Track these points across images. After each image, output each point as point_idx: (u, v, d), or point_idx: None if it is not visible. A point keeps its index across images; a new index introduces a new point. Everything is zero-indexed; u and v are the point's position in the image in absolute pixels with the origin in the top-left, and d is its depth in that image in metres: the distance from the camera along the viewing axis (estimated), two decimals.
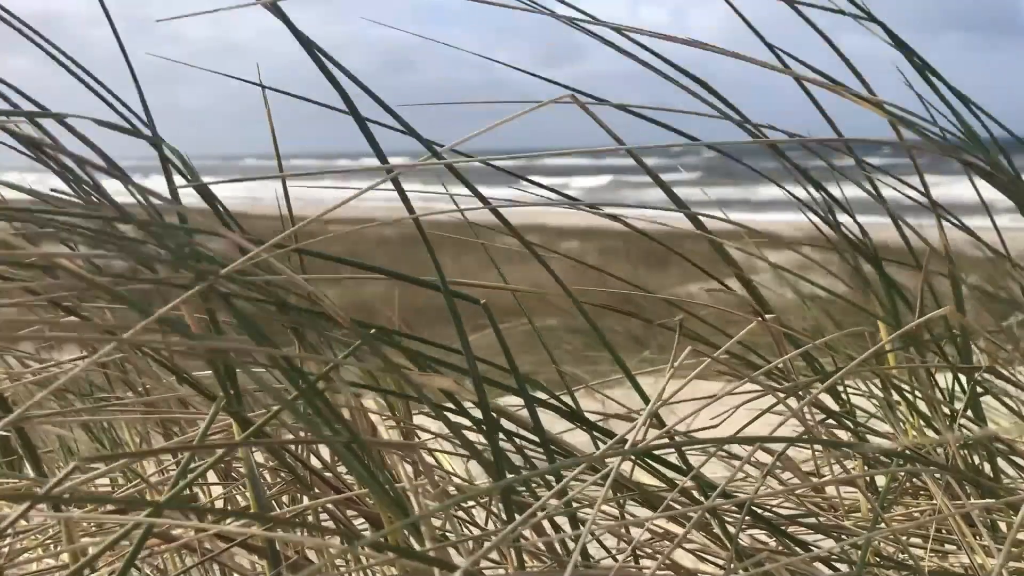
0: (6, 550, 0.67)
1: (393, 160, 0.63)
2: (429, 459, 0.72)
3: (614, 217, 0.74)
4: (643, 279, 0.89)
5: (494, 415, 0.58)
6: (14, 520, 0.37)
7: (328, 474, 0.67)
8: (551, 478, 0.62)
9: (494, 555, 0.67)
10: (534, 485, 0.63)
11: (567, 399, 0.69)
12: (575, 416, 0.68)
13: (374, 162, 0.63)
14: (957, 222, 0.81)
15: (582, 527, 0.61)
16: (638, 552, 0.70)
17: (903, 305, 0.82)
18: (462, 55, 0.66)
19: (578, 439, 0.72)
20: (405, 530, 0.54)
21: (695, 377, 0.67)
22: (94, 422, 1.01)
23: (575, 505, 0.65)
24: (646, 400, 0.64)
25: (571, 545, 0.61)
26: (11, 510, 0.47)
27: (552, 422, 0.68)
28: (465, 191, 0.69)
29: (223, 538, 0.63)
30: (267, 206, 0.81)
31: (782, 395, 0.71)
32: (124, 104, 0.63)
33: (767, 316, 0.78)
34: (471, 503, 0.75)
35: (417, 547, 0.53)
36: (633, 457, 0.64)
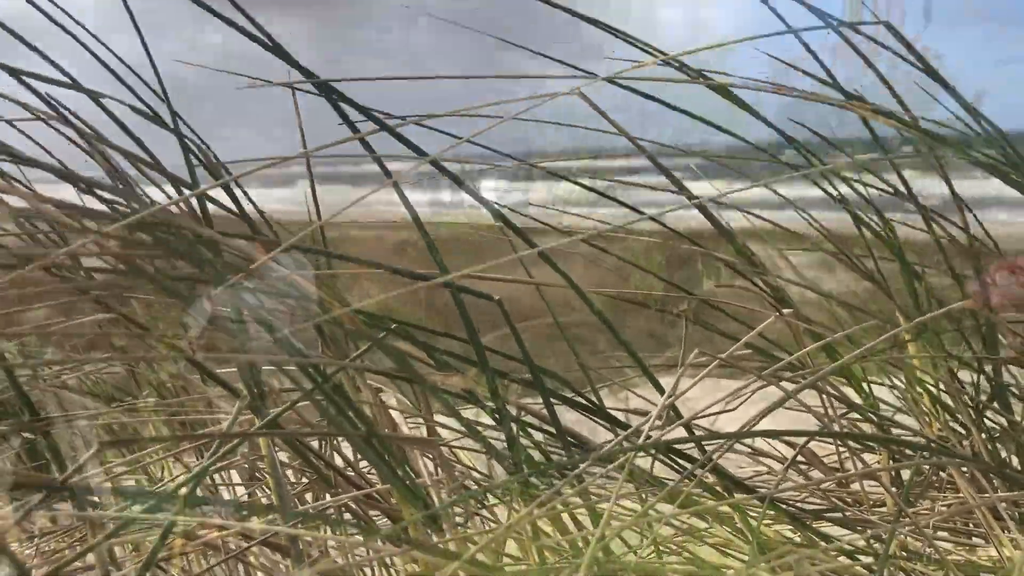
0: (33, 551, 0.68)
1: (393, 166, 0.64)
2: (450, 456, 0.73)
3: (620, 198, 0.73)
4: (660, 280, 0.89)
5: (509, 408, 0.59)
6: (31, 508, 0.38)
7: (351, 472, 0.68)
8: (568, 471, 0.62)
9: (515, 551, 0.67)
10: (554, 481, 0.63)
11: (589, 397, 0.69)
12: (596, 412, 0.68)
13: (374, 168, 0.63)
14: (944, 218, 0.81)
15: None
16: (661, 548, 0.70)
17: (925, 298, 0.81)
18: (468, 57, 0.66)
19: (602, 437, 0.72)
20: (425, 526, 0.54)
21: (712, 372, 0.67)
22: (120, 425, 1.02)
23: (594, 500, 0.65)
24: (663, 394, 0.64)
25: (591, 540, 0.61)
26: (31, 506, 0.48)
27: (575, 422, 0.68)
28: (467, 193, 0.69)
29: (246, 537, 0.64)
30: (278, 210, 0.82)
31: (789, 389, 0.70)
32: (146, 104, 0.64)
33: (785, 312, 0.78)
34: (493, 501, 0.75)
35: (435, 540, 0.54)
36: (650, 449, 0.64)
